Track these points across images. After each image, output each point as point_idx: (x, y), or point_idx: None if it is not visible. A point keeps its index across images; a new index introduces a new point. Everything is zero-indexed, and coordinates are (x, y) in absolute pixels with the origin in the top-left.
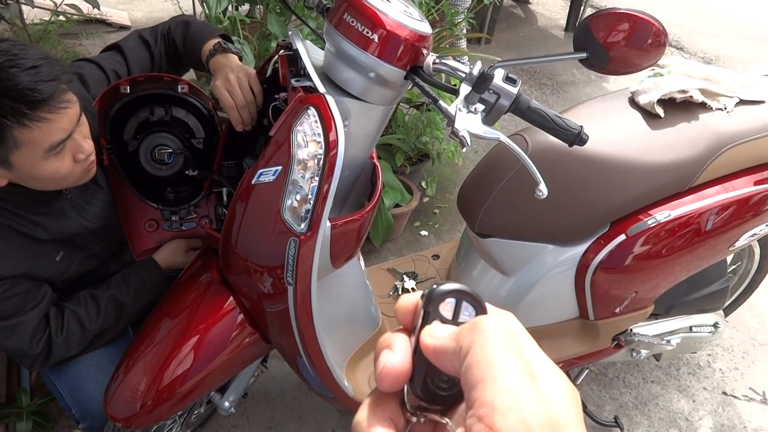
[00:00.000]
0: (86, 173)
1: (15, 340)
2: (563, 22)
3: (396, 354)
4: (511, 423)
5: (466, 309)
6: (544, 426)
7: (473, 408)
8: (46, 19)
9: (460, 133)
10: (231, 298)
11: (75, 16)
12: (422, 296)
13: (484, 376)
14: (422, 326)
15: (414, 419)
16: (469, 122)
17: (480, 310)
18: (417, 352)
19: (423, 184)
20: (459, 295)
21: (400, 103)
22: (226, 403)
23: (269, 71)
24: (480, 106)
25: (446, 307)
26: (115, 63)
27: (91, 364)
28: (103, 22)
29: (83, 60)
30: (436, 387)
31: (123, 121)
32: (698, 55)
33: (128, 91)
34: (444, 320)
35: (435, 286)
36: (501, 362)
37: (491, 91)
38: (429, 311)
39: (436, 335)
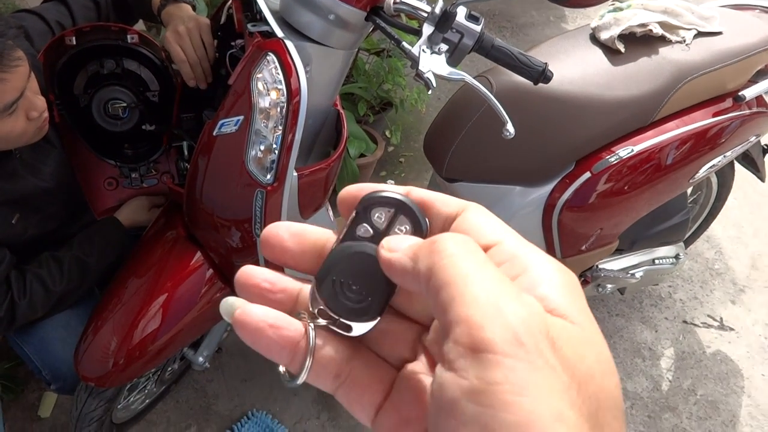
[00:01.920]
0: (39, 131)
1: None
2: None
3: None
4: (491, 333)
5: (402, 224)
6: (531, 325)
7: (450, 334)
8: None
9: (425, 75)
10: (198, 253)
11: None
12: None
13: (453, 295)
14: (349, 228)
15: (308, 320)
16: (433, 63)
17: (417, 230)
18: (334, 251)
19: (387, 133)
20: (399, 207)
21: (360, 51)
22: (200, 359)
23: (223, 18)
24: (444, 47)
25: (379, 215)
26: (58, 14)
27: (59, 325)
28: None
29: (23, 11)
30: (344, 297)
31: (71, 75)
32: None
33: (74, 42)
34: (373, 227)
35: (377, 192)
36: (470, 275)
37: (454, 30)
38: (359, 213)
39: (395, 247)
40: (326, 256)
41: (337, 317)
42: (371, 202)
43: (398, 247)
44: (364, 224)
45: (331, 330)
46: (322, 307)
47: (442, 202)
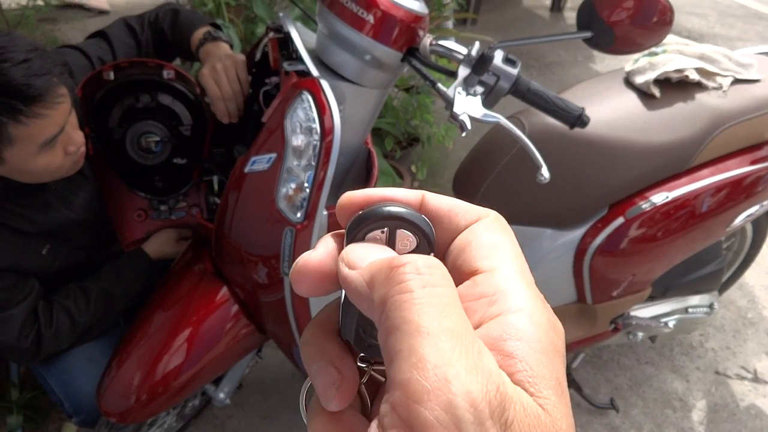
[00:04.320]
0: (75, 165)
1: (3, 335)
2: (548, 2)
3: (317, 251)
4: (429, 413)
5: (404, 238)
6: (480, 407)
7: (389, 392)
8: (24, 3)
9: (459, 117)
10: (225, 289)
11: (53, 1)
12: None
13: (400, 347)
14: None
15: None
16: (468, 105)
17: (423, 243)
18: (343, 299)
19: (413, 168)
20: (390, 223)
21: None
22: (221, 395)
23: (258, 54)
24: (479, 89)
25: (376, 239)
26: (100, 50)
27: (83, 357)
28: (81, 7)
29: (67, 47)
30: (368, 334)
31: (107, 109)
32: (683, 34)
33: (112, 77)
34: None
35: (360, 212)
36: (423, 325)
37: (491, 73)
38: (353, 239)
39: (355, 261)
40: (340, 307)
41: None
42: (361, 225)
43: (358, 261)
44: None
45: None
46: (362, 355)
47: (461, 209)
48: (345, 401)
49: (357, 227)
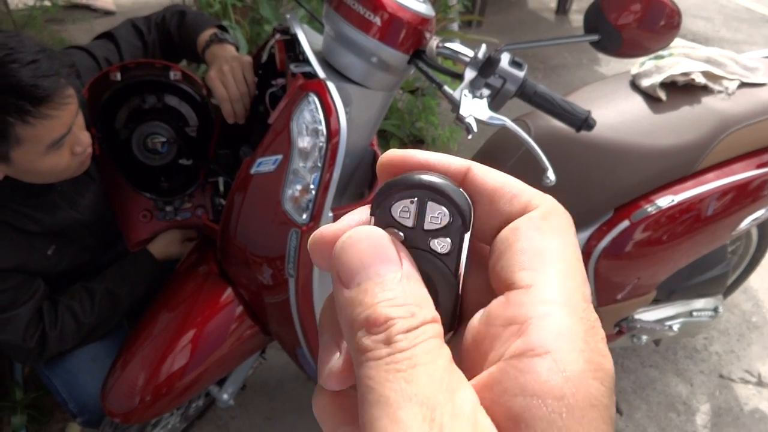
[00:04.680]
0: (82, 165)
1: (8, 334)
2: (554, 5)
3: (337, 224)
4: None
5: (435, 211)
6: None
7: None
8: (31, 3)
9: (465, 120)
10: (229, 290)
11: (60, 2)
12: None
13: (364, 420)
14: None
15: None
16: (474, 108)
17: (457, 214)
18: None
19: None
20: (420, 193)
21: None
22: (225, 396)
23: (265, 56)
24: (485, 91)
25: (403, 211)
26: (107, 51)
27: (87, 357)
28: (87, 8)
29: (74, 48)
30: None
31: (114, 110)
32: (688, 37)
33: (119, 78)
34: (402, 228)
35: (394, 178)
36: (384, 395)
37: (497, 76)
38: (379, 217)
39: (347, 275)
40: None
41: None
42: (386, 197)
43: (349, 275)
44: (392, 228)
45: None
46: None
47: (509, 191)
48: (338, 383)
49: (384, 195)
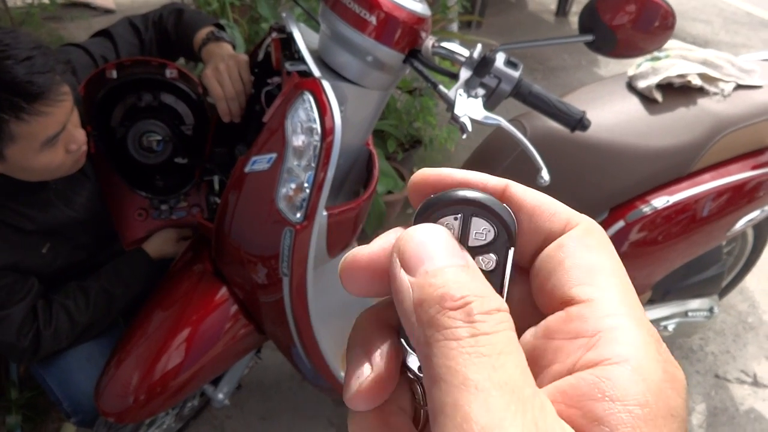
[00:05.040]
0: (77, 163)
1: (1, 333)
2: (554, 6)
3: (372, 245)
4: None
5: (480, 226)
6: None
7: None
8: (29, 1)
9: (460, 119)
10: (224, 289)
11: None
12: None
13: (444, 401)
14: None
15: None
16: (469, 107)
17: (502, 235)
18: None
19: (415, 170)
20: (464, 209)
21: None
22: (220, 395)
23: (261, 55)
24: (480, 91)
25: (446, 227)
26: (104, 48)
27: (82, 356)
28: (87, 6)
29: (71, 45)
30: None
31: (109, 108)
32: (687, 40)
33: (115, 76)
34: None
35: (431, 196)
36: (471, 378)
37: (492, 76)
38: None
39: (411, 260)
40: None
41: None
42: (430, 211)
43: (416, 261)
44: None
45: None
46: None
47: (548, 209)
48: (365, 402)
49: (427, 211)
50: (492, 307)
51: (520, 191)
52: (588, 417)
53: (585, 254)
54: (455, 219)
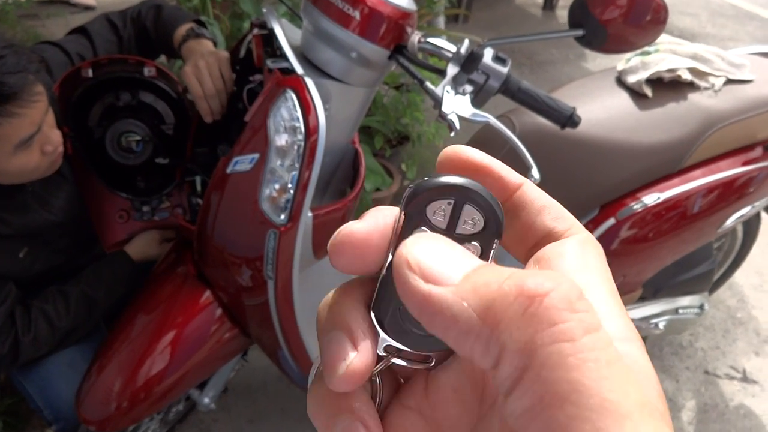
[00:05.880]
0: (53, 165)
1: None
2: (540, 0)
3: (364, 221)
4: None
5: (470, 215)
6: None
7: None
8: None
9: (448, 117)
10: (208, 292)
11: None
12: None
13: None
14: (401, 237)
15: (378, 366)
16: (457, 104)
17: (492, 221)
18: (390, 269)
19: (403, 166)
20: (458, 195)
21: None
22: (206, 399)
23: (243, 52)
24: (468, 88)
25: (437, 211)
26: (80, 46)
27: (63, 362)
28: (66, 3)
29: (45, 43)
30: (407, 318)
31: (87, 107)
32: (674, 33)
33: (90, 74)
34: (434, 229)
35: (424, 179)
36: (611, 399)
37: (480, 72)
38: (410, 215)
39: (438, 273)
40: (378, 281)
41: (410, 350)
42: (422, 195)
43: (444, 271)
44: (422, 228)
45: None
46: (389, 343)
47: (557, 212)
48: (352, 383)
49: (420, 193)
50: (580, 289)
51: (535, 192)
52: None
53: (581, 254)
54: (448, 204)
